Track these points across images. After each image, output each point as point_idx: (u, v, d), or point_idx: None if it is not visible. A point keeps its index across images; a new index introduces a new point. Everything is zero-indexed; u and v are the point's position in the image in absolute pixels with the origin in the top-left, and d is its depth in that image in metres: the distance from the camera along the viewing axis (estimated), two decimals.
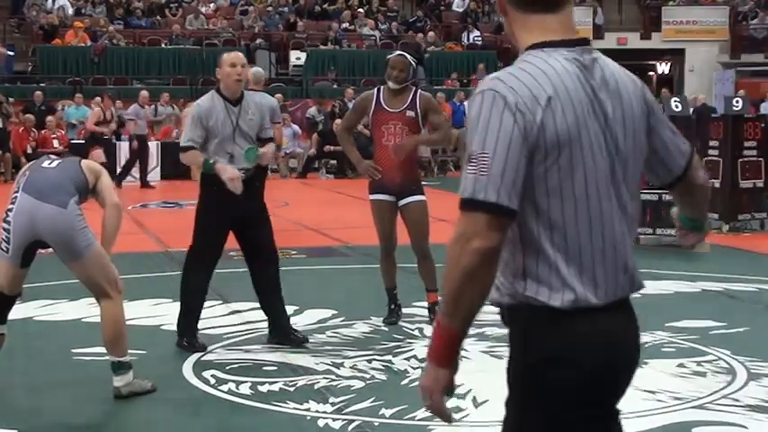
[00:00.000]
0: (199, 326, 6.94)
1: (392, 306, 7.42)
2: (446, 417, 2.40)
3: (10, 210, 5.40)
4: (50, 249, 5.44)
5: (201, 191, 6.72)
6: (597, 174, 2.34)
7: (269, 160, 6.95)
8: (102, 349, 5.59)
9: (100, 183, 5.58)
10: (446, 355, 2.33)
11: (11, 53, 25.58)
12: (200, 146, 6.49)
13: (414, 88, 7.36)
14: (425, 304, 7.61)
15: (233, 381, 5.87)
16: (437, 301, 7.38)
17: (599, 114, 2.36)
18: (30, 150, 20.71)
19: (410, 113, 7.16)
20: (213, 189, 6.50)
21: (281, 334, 6.72)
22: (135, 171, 20.60)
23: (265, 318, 6.96)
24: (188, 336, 6.63)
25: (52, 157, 5.81)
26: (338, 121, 22.85)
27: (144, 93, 21.33)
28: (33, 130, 21.16)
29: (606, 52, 2.54)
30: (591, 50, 2.42)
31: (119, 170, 19.78)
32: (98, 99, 22.29)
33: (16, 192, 5.44)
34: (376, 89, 7.43)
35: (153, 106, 22.09)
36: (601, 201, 2.35)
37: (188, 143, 6.53)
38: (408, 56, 7.38)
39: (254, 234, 6.68)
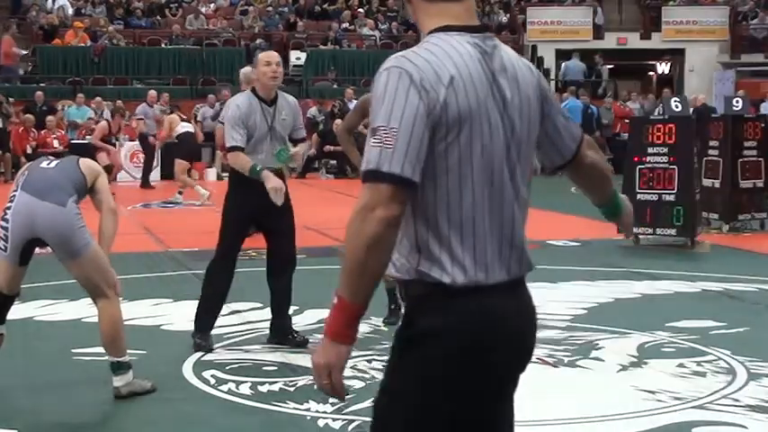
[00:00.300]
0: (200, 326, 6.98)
1: (392, 306, 7.42)
2: (343, 395, 2.41)
3: (8, 208, 5.41)
4: (49, 249, 5.44)
5: (230, 189, 6.74)
6: (494, 154, 2.41)
7: (301, 160, 6.95)
8: (102, 349, 5.59)
9: (98, 183, 5.58)
10: (347, 330, 2.36)
11: (24, 52, 25.52)
12: (245, 145, 6.48)
13: None
14: None
15: (233, 381, 5.87)
16: None
17: (498, 98, 2.43)
18: (30, 150, 20.71)
19: None
20: (242, 189, 6.53)
21: (281, 334, 6.73)
22: (136, 171, 20.61)
23: (265, 318, 6.98)
24: (201, 333, 6.62)
25: (51, 157, 5.83)
26: (338, 121, 22.85)
27: (152, 92, 21.29)
28: (33, 130, 21.16)
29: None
30: (492, 38, 2.50)
31: (117, 172, 19.77)
32: (98, 99, 22.29)
33: (15, 191, 5.45)
34: None
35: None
36: (496, 181, 2.41)
37: (236, 143, 6.47)
38: None
39: (275, 234, 6.70)
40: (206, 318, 6.64)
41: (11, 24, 26.27)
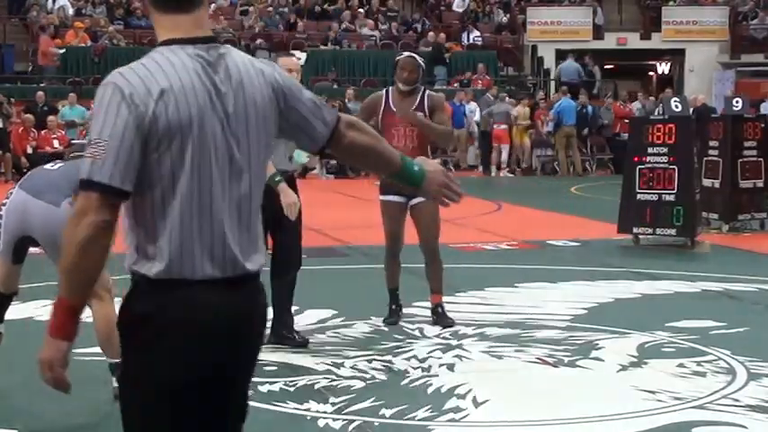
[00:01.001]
0: None
1: (393, 306, 7.42)
2: (66, 386, 2.59)
3: (4, 204, 5.43)
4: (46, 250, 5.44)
5: None
6: (210, 161, 2.55)
7: (317, 162, 6.98)
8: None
9: None
10: (67, 327, 2.55)
11: (61, 51, 25.45)
12: None
13: (422, 89, 7.33)
14: (426, 304, 7.61)
15: None
16: (441, 302, 7.39)
17: (218, 107, 2.57)
18: (30, 150, 20.71)
19: (419, 115, 7.14)
20: None
21: (281, 335, 6.73)
22: None
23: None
24: None
25: (59, 161, 5.85)
26: None
27: None
28: (33, 130, 21.16)
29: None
30: (218, 47, 2.62)
31: None
32: None
33: (13, 189, 5.48)
34: (384, 90, 7.38)
35: None
36: (213, 187, 2.56)
37: None
38: (418, 57, 7.32)
39: (282, 235, 6.72)
40: None
41: (48, 25, 26.20)
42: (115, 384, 5.46)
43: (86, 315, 7.29)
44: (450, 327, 7.21)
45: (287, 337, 6.72)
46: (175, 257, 2.55)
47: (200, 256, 2.56)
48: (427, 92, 7.31)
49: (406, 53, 7.44)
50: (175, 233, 2.54)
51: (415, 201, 7.18)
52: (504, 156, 23.93)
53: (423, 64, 7.35)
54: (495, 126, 23.57)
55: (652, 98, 26.44)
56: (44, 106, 22.37)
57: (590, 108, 24.09)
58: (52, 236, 5.33)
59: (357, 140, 2.82)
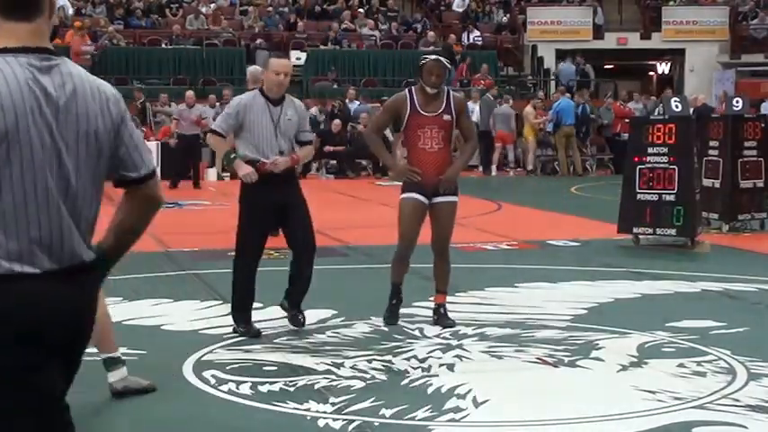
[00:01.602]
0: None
1: (393, 301, 7.39)
2: None
3: None
4: None
5: (242, 191, 6.95)
6: (39, 167, 2.66)
7: (284, 165, 7.02)
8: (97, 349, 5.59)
9: None
10: None
11: (92, 48, 25.41)
12: (227, 134, 6.96)
13: (446, 90, 7.31)
14: (425, 304, 7.60)
15: (233, 381, 5.87)
16: (444, 303, 7.38)
17: (47, 116, 2.66)
18: None
19: (447, 117, 7.12)
20: (252, 189, 6.78)
21: (285, 306, 7.02)
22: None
23: (266, 318, 7.11)
24: (241, 325, 6.93)
25: None
26: (337, 121, 22.86)
27: (189, 93, 20.71)
28: None
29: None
30: (52, 59, 2.71)
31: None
32: None
33: None
34: (407, 91, 7.31)
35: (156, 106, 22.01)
36: (44, 190, 2.67)
37: (216, 128, 7.00)
38: (444, 59, 7.25)
39: (292, 224, 6.91)
40: (240, 312, 6.95)
41: (83, 27, 26.10)
42: (111, 379, 5.49)
43: None
44: (451, 327, 7.20)
45: (286, 308, 7.02)
46: (14, 252, 2.64)
47: (38, 250, 2.67)
48: (452, 94, 7.30)
49: (433, 56, 7.26)
50: (10, 229, 2.64)
51: (437, 199, 7.18)
52: (511, 156, 23.95)
53: (449, 65, 7.34)
54: (497, 127, 23.59)
55: (653, 98, 26.41)
56: None
57: (581, 107, 24.05)
58: None
59: (150, 202, 2.94)
